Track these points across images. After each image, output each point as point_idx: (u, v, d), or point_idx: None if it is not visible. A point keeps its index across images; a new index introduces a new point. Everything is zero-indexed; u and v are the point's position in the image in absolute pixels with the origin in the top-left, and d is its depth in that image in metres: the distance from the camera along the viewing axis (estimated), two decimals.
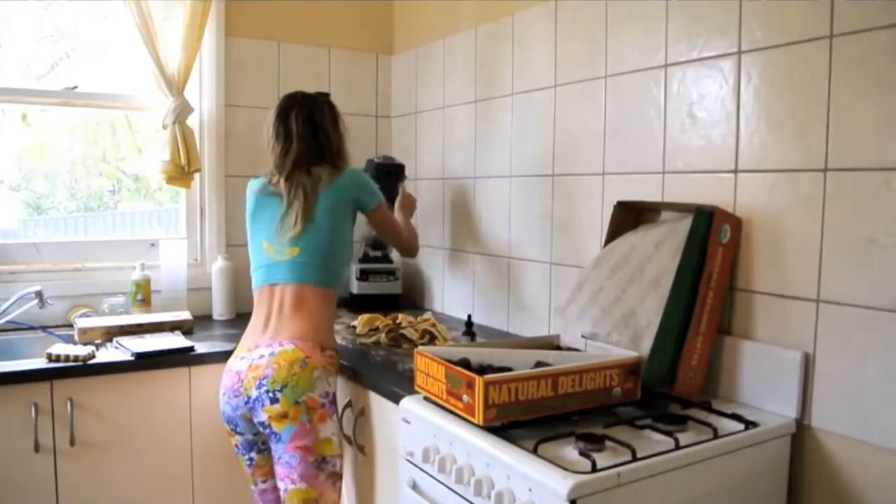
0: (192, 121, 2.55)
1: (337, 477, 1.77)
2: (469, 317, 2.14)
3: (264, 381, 1.71)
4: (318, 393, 1.74)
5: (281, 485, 1.74)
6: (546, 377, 1.37)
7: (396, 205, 2.31)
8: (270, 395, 1.70)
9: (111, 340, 2.15)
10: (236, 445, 1.87)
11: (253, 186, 1.99)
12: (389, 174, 2.41)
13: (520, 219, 2.27)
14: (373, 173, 2.31)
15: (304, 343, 1.77)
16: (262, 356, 1.76)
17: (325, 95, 2.06)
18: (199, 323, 2.45)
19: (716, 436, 1.34)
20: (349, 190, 1.93)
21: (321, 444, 1.73)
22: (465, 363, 1.45)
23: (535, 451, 1.25)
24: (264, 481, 1.88)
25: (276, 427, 1.71)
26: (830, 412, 1.40)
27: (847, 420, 1.37)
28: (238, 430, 1.82)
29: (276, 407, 1.70)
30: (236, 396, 1.77)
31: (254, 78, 2.69)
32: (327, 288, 1.88)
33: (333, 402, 1.79)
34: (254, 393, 1.73)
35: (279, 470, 1.75)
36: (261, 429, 1.75)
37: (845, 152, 1.36)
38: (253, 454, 1.86)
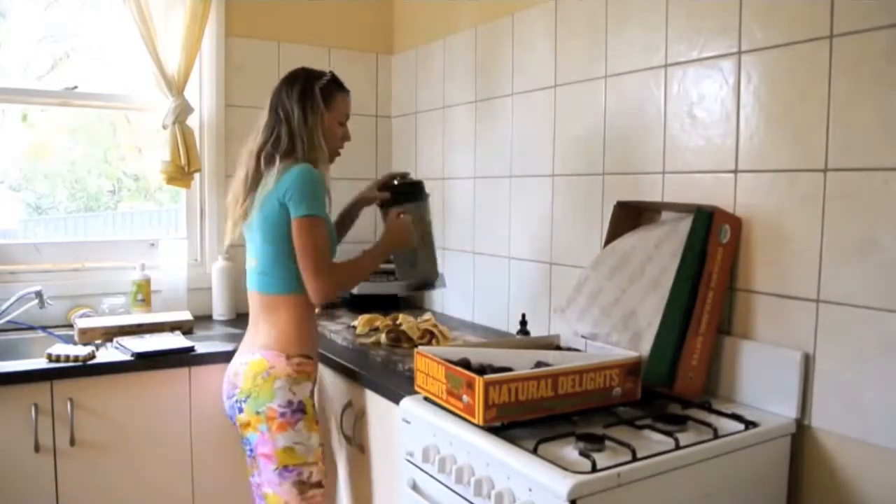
0: (192, 121, 2.55)
1: (306, 486, 1.74)
2: (523, 315, 2.01)
3: (234, 392, 1.79)
4: (277, 403, 1.72)
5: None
6: (546, 377, 1.37)
7: (383, 231, 1.92)
8: (238, 405, 1.77)
9: (111, 340, 2.15)
10: (241, 436, 1.90)
11: None
12: (402, 194, 1.98)
13: (520, 219, 2.27)
14: (395, 199, 1.98)
15: (269, 353, 1.76)
16: (238, 364, 1.81)
17: (320, 74, 1.86)
18: (199, 323, 2.45)
19: (716, 436, 1.34)
20: (282, 191, 1.69)
21: (280, 453, 1.72)
22: (465, 363, 1.45)
23: (535, 451, 1.25)
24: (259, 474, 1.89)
25: (244, 433, 1.78)
26: (830, 412, 1.40)
27: (847, 420, 1.37)
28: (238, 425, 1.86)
29: (242, 416, 1.77)
30: (228, 398, 1.84)
31: (254, 78, 2.69)
32: (293, 294, 1.77)
33: (299, 410, 1.74)
34: (227, 403, 1.83)
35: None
36: None
37: (845, 152, 1.36)
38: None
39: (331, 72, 1.88)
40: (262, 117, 1.83)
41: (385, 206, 1.98)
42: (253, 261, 1.82)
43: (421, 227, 1.95)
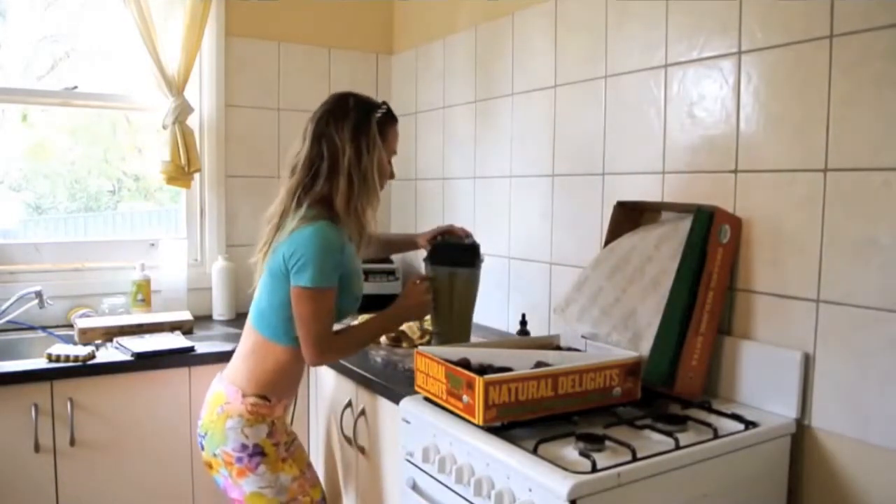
0: (192, 121, 2.55)
1: None
2: (523, 315, 2.02)
3: (199, 422, 1.72)
4: (231, 447, 1.62)
5: None
6: (546, 377, 1.36)
7: (399, 296, 1.78)
8: (201, 439, 1.70)
9: (111, 340, 2.15)
10: None
11: None
12: (436, 255, 1.79)
13: (520, 219, 2.27)
14: (431, 257, 1.81)
15: (230, 387, 1.66)
16: (211, 389, 1.73)
17: (375, 105, 1.65)
18: (199, 323, 2.45)
19: (716, 436, 1.34)
20: (289, 251, 1.55)
21: (250, 498, 1.64)
22: (465, 363, 1.45)
23: (535, 452, 1.25)
24: None
25: (210, 473, 1.71)
26: (830, 412, 1.40)
27: (847, 420, 1.37)
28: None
29: (204, 455, 1.69)
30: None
31: (254, 78, 2.69)
32: (278, 344, 1.65)
33: (257, 453, 1.63)
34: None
35: None
36: None
37: (845, 152, 1.36)
38: None
39: (384, 102, 1.69)
40: (299, 146, 1.64)
41: (426, 259, 1.81)
42: (256, 292, 1.71)
43: (450, 296, 1.76)
